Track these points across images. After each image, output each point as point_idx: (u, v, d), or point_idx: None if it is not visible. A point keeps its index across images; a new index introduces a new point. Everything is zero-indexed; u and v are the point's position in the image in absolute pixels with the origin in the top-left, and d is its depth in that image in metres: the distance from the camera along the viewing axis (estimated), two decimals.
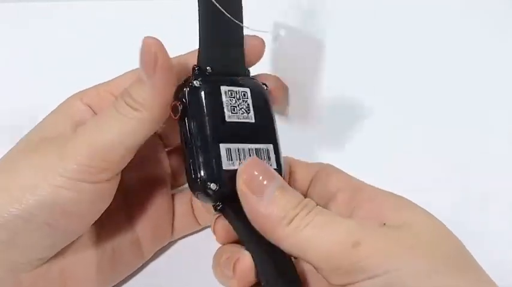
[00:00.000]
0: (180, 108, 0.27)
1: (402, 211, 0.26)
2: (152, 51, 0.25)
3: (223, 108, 0.28)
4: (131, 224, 0.32)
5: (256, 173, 0.25)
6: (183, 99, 0.27)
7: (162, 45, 0.26)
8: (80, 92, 0.30)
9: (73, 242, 0.29)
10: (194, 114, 0.27)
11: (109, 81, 0.30)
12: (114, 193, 0.28)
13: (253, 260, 0.26)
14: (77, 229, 0.28)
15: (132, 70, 0.30)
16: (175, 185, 0.35)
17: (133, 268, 0.34)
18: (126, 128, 0.26)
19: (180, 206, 0.34)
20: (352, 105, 0.44)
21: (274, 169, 0.27)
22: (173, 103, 0.27)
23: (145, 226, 0.33)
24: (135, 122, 0.26)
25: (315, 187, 0.30)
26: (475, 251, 0.25)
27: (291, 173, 0.31)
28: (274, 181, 0.25)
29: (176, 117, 0.27)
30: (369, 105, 0.43)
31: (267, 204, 0.25)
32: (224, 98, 0.28)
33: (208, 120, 0.27)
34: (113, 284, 0.33)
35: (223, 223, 0.28)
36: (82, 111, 0.29)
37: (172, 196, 0.35)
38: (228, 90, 0.28)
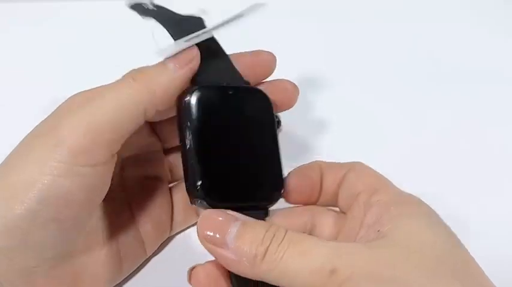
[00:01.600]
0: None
1: (398, 221, 0.25)
2: (195, 51, 0.28)
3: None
4: (134, 222, 0.33)
5: (212, 226, 0.25)
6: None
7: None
8: (84, 92, 0.29)
9: (82, 243, 0.29)
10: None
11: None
12: (110, 177, 0.28)
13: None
14: (83, 218, 0.28)
15: None
16: (172, 180, 0.36)
17: (137, 264, 0.34)
18: (124, 103, 0.26)
19: (178, 200, 0.35)
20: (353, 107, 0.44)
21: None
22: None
23: (147, 222, 0.33)
24: (135, 98, 0.27)
25: (343, 189, 0.30)
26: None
27: (322, 177, 0.31)
28: (233, 224, 0.25)
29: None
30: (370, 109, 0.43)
31: (234, 250, 0.25)
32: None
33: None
34: (118, 281, 0.33)
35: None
36: None
37: (170, 189, 0.35)
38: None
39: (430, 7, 0.50)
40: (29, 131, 0.28)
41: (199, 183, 0.27)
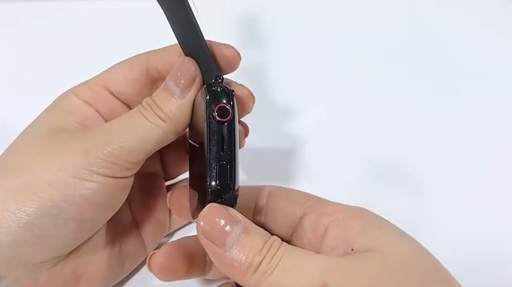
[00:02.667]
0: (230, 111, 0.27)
1: (368, 234, 0.26)
2: (194, 72, 0.28)
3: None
4: (134, 221, 0.33)
5: (216, 221, 0.25)
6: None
7: (197, 65, 0.28)
8: (72, 88, 0.31)
9: (85, 241, 0.30)
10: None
11: (98, 75, 0.31)
12: (130, 186, 0.29)
13: None
14: (101, 221, 0.29)
15: (122, 62, 0.31)
16: (167, 178, 0.36)
17: (138, 261, 0.35)
18: (153, 135, 0.28)
19: None
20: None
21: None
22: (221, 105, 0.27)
23: (146, 220, 0.34)
24: (162, 131, 0.28)
25: (275, 217, 0.30)
26: None
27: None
28: (237, 226, 0.25)
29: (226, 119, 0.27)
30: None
31: (231, 253, 0.24)
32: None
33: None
34: (120, 279, 0.34)
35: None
36: (81, 108, 0.30)
37: (167, 188, 0.36)
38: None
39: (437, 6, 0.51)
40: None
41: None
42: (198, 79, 0.28)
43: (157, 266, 0.29)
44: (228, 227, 0.25)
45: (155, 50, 0.31)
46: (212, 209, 0.25)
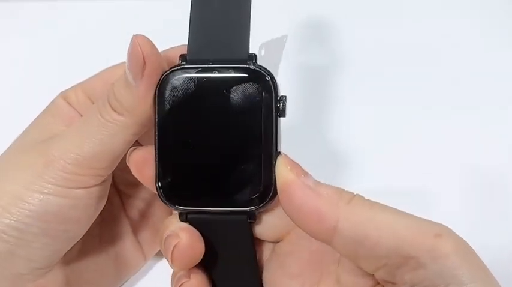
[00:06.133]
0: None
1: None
2: (140, 53, 0.23)
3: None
4: (131, 228, 0.33)
5: (295, 164, 0.24)
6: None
7: (153, 45, 0.24)
8: (63, 91, 0.30)
9: (77, 249, 0.29)
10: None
11: (83, 81, 0.30)
12: (107, 192, 0.28)
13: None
14: (76, 233, 0.27)
15: (105, 69, 0.30)
16: None
17: (136, 270, 0.34)
18: (111, 134, 0.25)
19: None
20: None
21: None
22: None
23: (145, 228, 0.33)
24: (120, 128, 0.25)
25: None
26: None
27: None
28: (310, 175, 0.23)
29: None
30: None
31: (317, 187, 0.23)
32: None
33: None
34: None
35: None
36: (67, 111, 0.29)
37: None
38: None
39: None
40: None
41: (158, 184, 0.25)
42: (150, 61, 0.24)
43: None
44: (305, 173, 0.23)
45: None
46: (285, 157, 0.24)
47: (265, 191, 0.25)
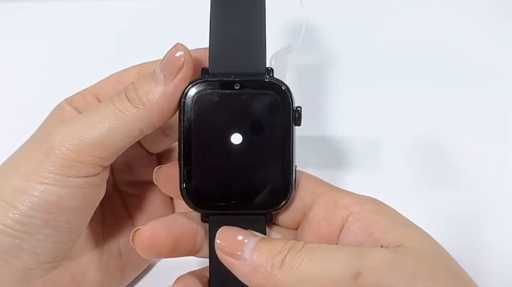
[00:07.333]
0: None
1: (396, 231, 0.25)
2: (182, 58, 0.26)
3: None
4: (135, 226, 0.33)
5: (230, 240, 0.25)
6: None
7: (191, 55, 0.26)
8: (68, 97, 0.30)
9: (81, 248, 0.29)
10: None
11: (91, 86, 0.31)
12: (105, 183, 0.28)
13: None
14: (77, 224, 0.28)
15: (113, 74, 0.31)
16: None
17: (141, 268, 0.34)
18: (119, 124, 0.26)
19: (179, 202, 0.35)
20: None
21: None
22: None
23: None
24: (130, 119, 0.26)
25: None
26: None
27: None
28: (253, 239, 0.25)
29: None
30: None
31: (251, 261, 0.24)
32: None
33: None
34: (124, 286, 0.33)
35: None
36: (71, 114, 0.29)
37: None
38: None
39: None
40: (25, 133, 0.29)
41: (183, 185, 0.27)
42: (187, 68, 0.26)
43: (141, 243, 0.27)
44: (245, 240, 0.25)
45: (146, 62, 0.30)
46: (227, 228, 0.26)
47: (283, 194, 0.27)
